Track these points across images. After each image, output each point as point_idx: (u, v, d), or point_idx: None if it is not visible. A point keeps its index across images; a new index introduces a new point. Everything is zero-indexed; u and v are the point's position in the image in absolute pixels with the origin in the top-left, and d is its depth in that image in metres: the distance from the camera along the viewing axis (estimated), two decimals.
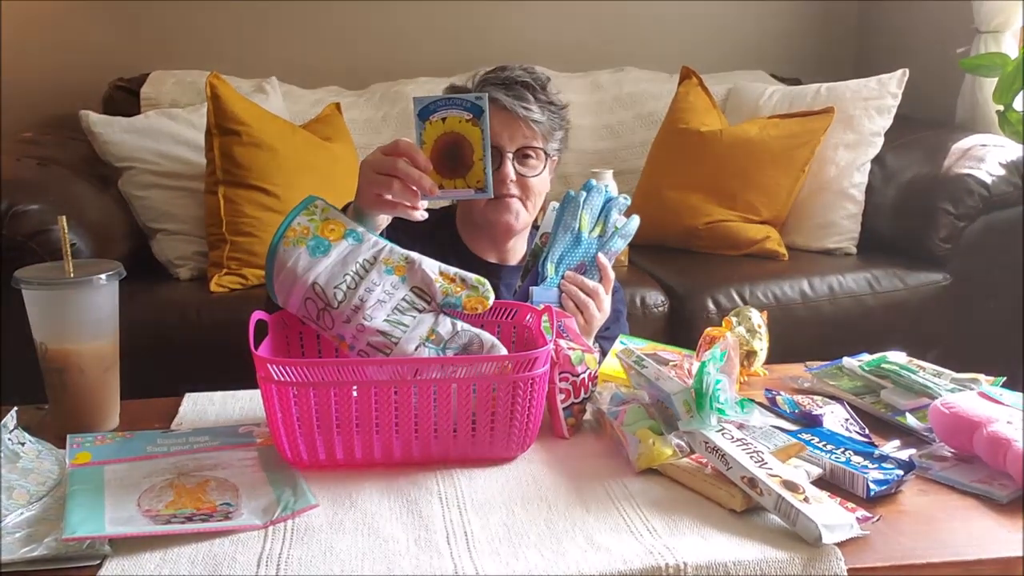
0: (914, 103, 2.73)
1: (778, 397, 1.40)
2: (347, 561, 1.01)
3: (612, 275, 1.54)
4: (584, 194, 1.53)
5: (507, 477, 1.20)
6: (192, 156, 2.47)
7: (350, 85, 3.01)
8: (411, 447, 1.21)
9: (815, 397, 1.43)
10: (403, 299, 1.24)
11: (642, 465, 1.19)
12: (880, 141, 2.65)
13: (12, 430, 1.21)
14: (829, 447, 1.22)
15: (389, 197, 1.28)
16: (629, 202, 1.58)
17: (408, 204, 1.30)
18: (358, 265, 1.24)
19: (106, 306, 1.33)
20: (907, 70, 2.65)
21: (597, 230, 1.53)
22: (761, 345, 1.54)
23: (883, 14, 3.32)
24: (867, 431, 1.32)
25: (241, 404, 1.46)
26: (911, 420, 1.34)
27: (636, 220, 1.57)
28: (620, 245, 1.56)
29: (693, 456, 1.19)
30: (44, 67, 3.02)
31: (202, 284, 2.37)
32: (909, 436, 1.31)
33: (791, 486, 1.07)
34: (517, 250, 1.78)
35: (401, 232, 1.40)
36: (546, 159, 1.70)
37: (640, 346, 1.46)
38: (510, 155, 1.66)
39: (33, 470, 1.17)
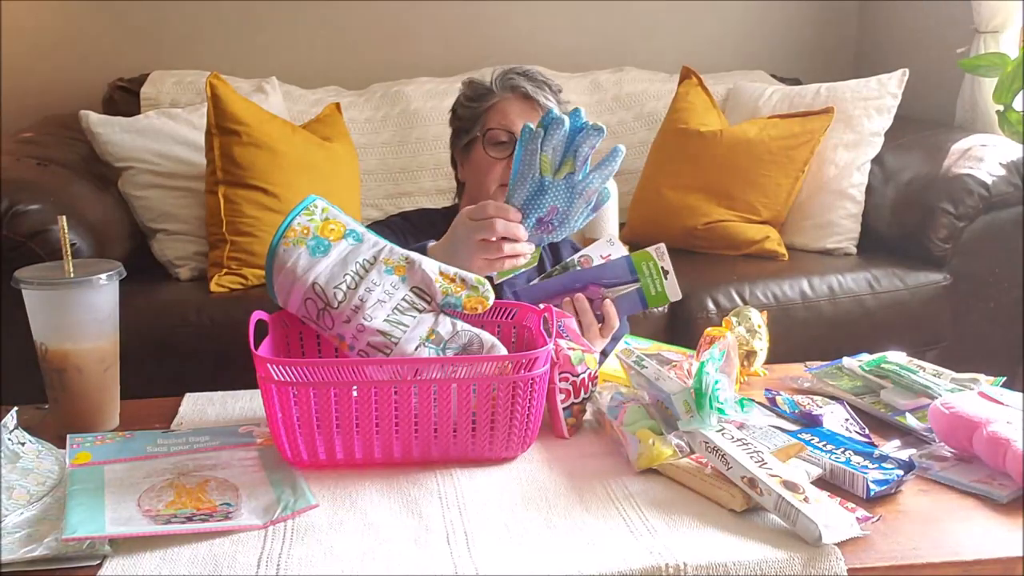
0: (914, 103, 2.73)
1: (778, 397, 1.40)
2: (347, 561, 1.01)
3: (616, 323, 1.52)
4: (542, 131, 1.35)
5: (507, 477, 1.20)
6: (192, 156, 2.47)
7: (350, 85, 3.01)
8: (411, 447, 1.21)
9: (815, 397, 1.43)
10: (403, 299, 1.24)
11: (642, 465, 1.19)
12: (880, 141, 2.65)
13: (12, 430, 1.21)
14: (829, 447, 1.22)
15: (497, 260, 1.39)
16: (604, 133, 1.37)
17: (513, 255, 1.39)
18: (358, 265, 1.24)
19: (106, 306, 1.33)
20: (907, 70, 2.65)
21: (566, 169, 1.37)
22: (761, 345, 1.54)
23: (883, 14, 3.32)
24: (867, 431, 1.32)
25: (241, 404, 1.46)
26: (911, 420, 1.34)
27: (619, 153, 1.38)
28: (596, 183, 1.38)
29: (693, 456, 1.19)
30: (44, 67, 3.02)
31: (202, 284, 2.37)
32: (909, 436, 1.31)
33: (791, 486, 1.07)
34: None
35: (408, 232, 1.40)
36: None
37: (644, 346, 1.46)
38: None
39: (33, 470, 1.17)
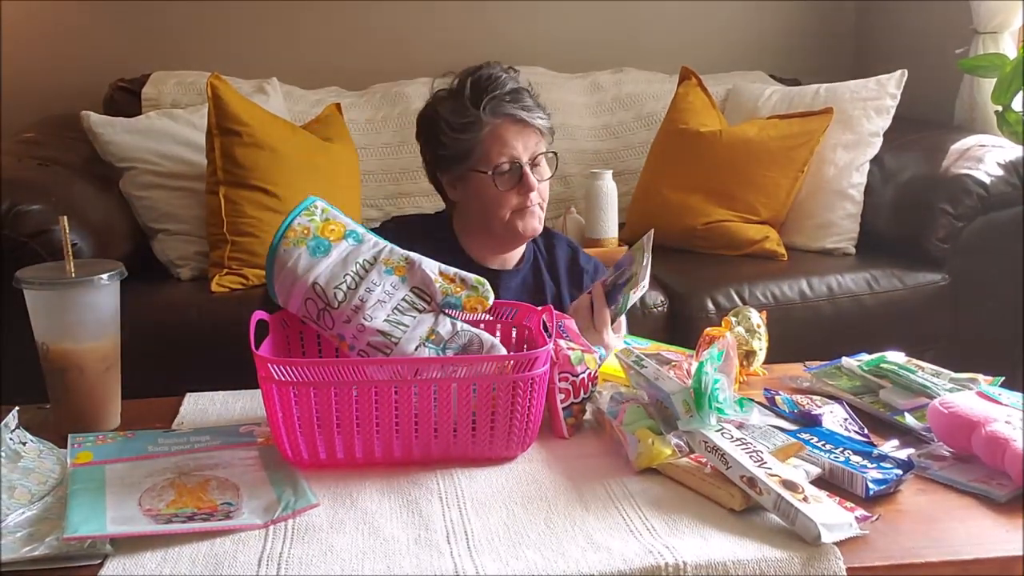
0: (913, 104, 2.73)
1: (777, 397, 1.40)
2: (347, 560, 1.01)
3: (603, 304, 1.56)
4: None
5: (507, 477, 1.20)
6: (193, 156, 2.48)
7: (350, 86, 3.01)
8: (411, 447, 1.21)
9: (814, 397, 1.43)
10: (403, 299, 1.24)
11: (641, 465, 1.19)
12: (879, 141, 2.65)
13: (14, 430, 1.22)
14: (828, 447, 1.22)
15: None
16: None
17: None
18: (358, 265, 1.25)
19: (107, 306, 1.33)
20: (905, 71, 2.65)
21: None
22: (760, 345, 1.55)
23: (882, 15, 3.32)
24: (866, 431, 1.32)
25: (242, 404, 1.46)
26: (910, 420, 1.34)
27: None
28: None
29: (692, 456, 1.19)
30: (45, 67, 3.02)
31: (203, 284, 2.37)
32: (908, 436, 1.31)
33: (790, 485, 1.07)
34: (516, 254, 1.78)
35: (400, 236, 1.40)
36: (555, 159, 1.72)
37: (644, 346, 1.47)
38: (527, 165, 1.67)
39: (34, 469, 1.17)
